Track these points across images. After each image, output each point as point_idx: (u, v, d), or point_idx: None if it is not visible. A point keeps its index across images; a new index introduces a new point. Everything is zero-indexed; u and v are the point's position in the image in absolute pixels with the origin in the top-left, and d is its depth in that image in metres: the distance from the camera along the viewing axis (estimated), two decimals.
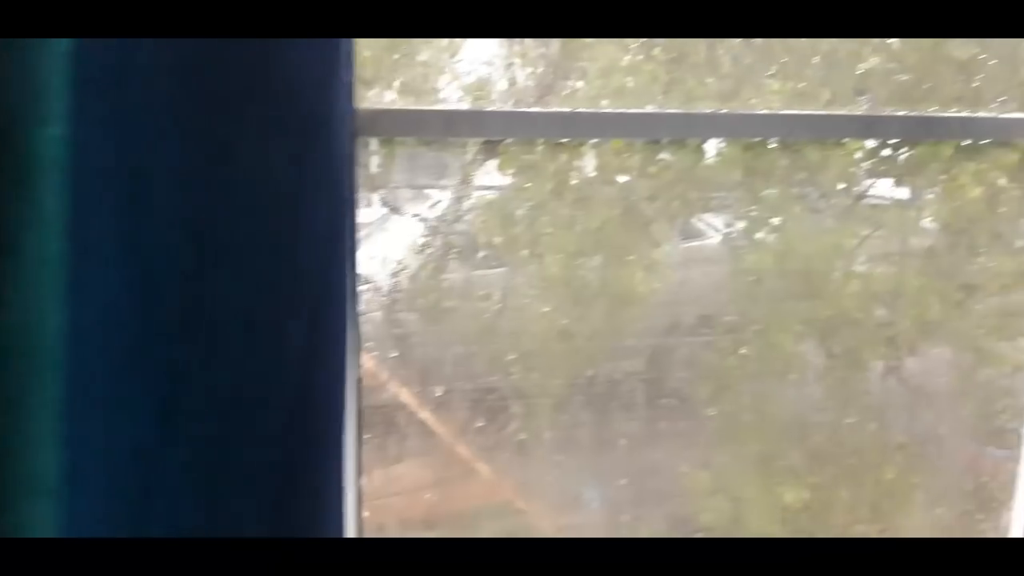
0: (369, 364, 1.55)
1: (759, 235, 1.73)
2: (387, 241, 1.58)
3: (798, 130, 1.60)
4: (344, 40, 1.06)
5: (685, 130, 1.57)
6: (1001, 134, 1.68)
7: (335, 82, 1.03)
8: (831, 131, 1.63)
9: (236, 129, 0.99)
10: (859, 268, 1.80)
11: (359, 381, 1.33)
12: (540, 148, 1.58)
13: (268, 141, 1.01)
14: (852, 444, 1.87)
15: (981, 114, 1.69)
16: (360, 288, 1.41)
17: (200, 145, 0.99)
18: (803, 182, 1.72)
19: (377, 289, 1.57)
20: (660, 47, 1.61)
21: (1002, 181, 1.78)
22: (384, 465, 1.59)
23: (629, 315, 1.66)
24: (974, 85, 1.72)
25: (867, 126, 1.63)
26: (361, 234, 1.58)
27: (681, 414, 1.76)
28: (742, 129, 1.58)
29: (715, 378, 1.76)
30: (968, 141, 1.68)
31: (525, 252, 1.63)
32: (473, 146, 1.57)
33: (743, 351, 1.76)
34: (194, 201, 0.99)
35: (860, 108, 1.69)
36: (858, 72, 1.69)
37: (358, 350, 1.34)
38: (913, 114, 1.66)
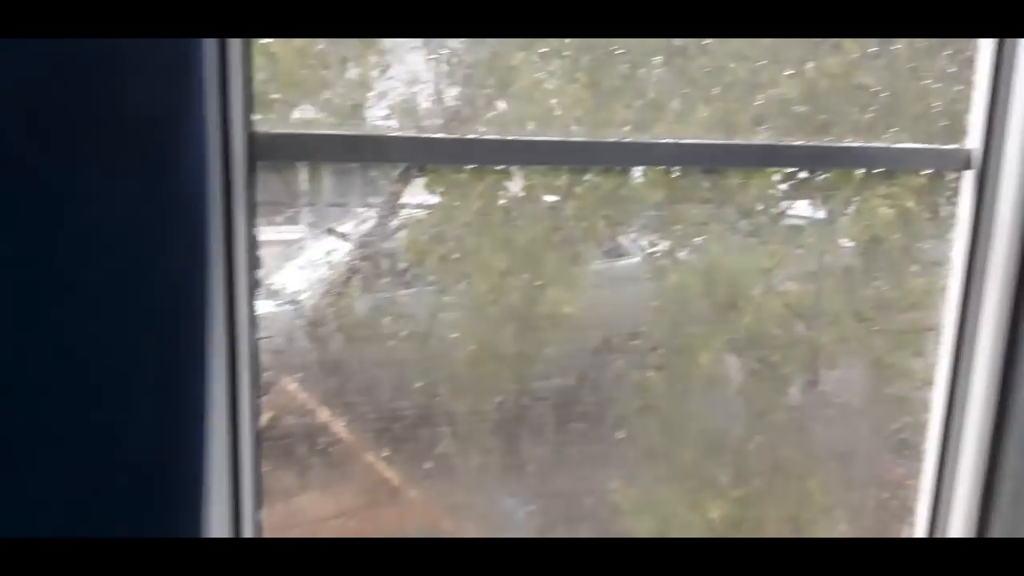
0: (288, 388, 1.52)
1: (682, 254, 1.77)
2: (310, 261, 1.55)
3: (710, 159, 1.67)
4: (207, 64, 1.05)
5: (602, 158, 1.61)
6: (896, 163, 1.78)
7: (190, 116, 0.97)
8: (745, 160, 1.70)
9: (72, 165, 0.91)
10: (778, 286, 1.85)
11: (257, 409, 1.31)
12: (468, 167, 1.58)
13: (110, 176, 0.93)
14: (774, 459, 1.91)
15: (877, 144, 1.79)
16: (262, 313, 1.39)
17: (33, 182, 0.90)
18: (724, 202, 1.76)
19: (299, 310, 1.54)
20: (583, 71, 1.63)
21: (910, 203, 1.86)
22: (301, 492, 1.55)
23: (555, 334, 1.67)
24: (868, 116, 1.80)
25: (773, 155, 1.71)
26: (285, 253, 1.55)
27: (606, 433, 1.77)
28: (662, 158, 1.63)
29: (639, 396, 1.78)
30: (862, 171, 1.78)
31: (452, 271, 1.62)
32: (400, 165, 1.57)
33: (667, 369, 1.79)
34: (30, 241, 0.91)
35: (760, 136, 1.75)
36: (758, 103, 1.76)
37: (257, 377, 1.31)
38: (816, 144, 1.74)
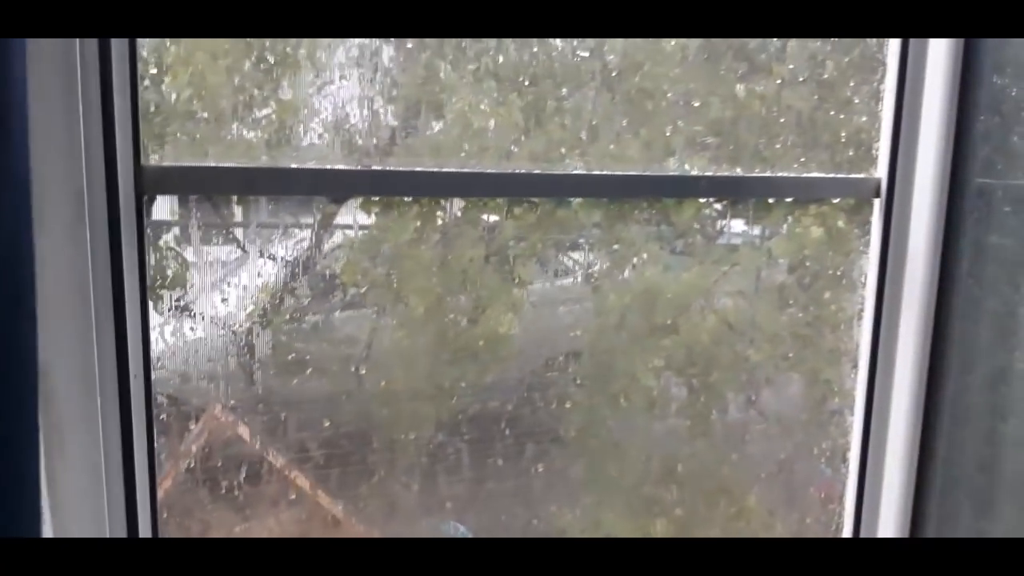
0: (217, 415, 1.47)
1: (621, 274, 1.78)
2: (243, 283, 1.52)
3: (634, 189, 1.70)
4: (90, 95, 1.04)
5: (529, 190, 1.62)
6: (808, 192, 1.85)
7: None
8: (666, 190, 1.73)
9: None
10: (715, 305, 1.87)
11: (152, 446, 1.27)
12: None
13: None
14: (715, 475, 1.93)
15: (790, 174, 1.85)
16: (192, 339, 1.35)
17: None
18: (661, 222, 1.78)
19: (229, 334, 1.50)
20: (518, 92, 1.64)
21: (840, 223, 1.91)
22: (234, 520, 1.51)
23: (494, 356, 1.66)
24: (783, 146, 1.86)
25: (693, 186, 1.75)
26: (216, 276, 1.51)
27: (548, 452, 1.76)
28: (595, 189, 1.66)
29: (581, 415, 1.78)
30: (773, 200, 1.85)
31: (388, 293, 1.60)
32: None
33: (605, 389, 1.79)
34: None
35: (689, 158, 1.79)
36: (695, 127, 1.80)
37: (150, 404, 1.27)
38: (732, 175, 1.79)
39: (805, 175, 1.85)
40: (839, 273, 1.94)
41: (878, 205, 1.85)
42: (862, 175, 1.87)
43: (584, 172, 1.66)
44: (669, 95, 1.73)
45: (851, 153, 1.89)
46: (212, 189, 1.39)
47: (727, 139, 1.80)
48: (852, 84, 1.88)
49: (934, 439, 1.82)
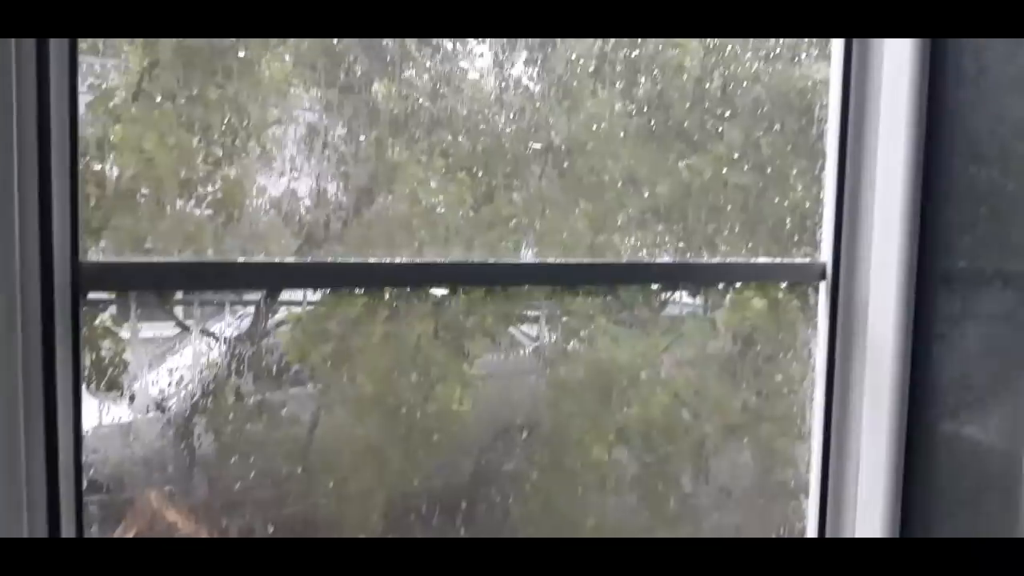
0: (152, 501, 1.41)
1: (569, 346, 1.79)
2: (182, 363, 1.47)
3: (582, 278, 1.72)
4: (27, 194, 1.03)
5: (474, 279, 1.62)
6: (754, 277, 1.90)
7: None
8: (614, 277, 1.76)
9: None
10: (663, 376, 1.89)
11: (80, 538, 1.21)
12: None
13: None
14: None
15: (736, 260, 1.89)
16: (127, 421, 1.31)
17: None
18: (607, 294, 1.81)
19: (168, 416, 1.45)
20: (466, 171, 1.67)
21: (780, 294, 1.96)
22: None
23: (445, 432, 1.63)
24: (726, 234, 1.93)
25: (641, 272, 1.79)
26: (155, 355, 1.46)
27: (499, 529, 1.72)
28: (546, 277, 1.68)
29: (534, 490, 1.75)
30: (722, 285, 1.89)
31: (335, 370, 1.58)
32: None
33: (559, 461, 1.77)
34: None
35: (635, 235, 1.84)
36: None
37: (80, 498, 1.21)
38: (679, 261, 1.83)
39: (751, 260, 1.89)
40: (784, 344, 1.99)
41: (824, 287, 1.87)
42: (806, 259, 1.92)
43: (535, 261, 1.67)
44: (611, 176, 1.78)
45: (795, 237, 1.95)
46: (153, 285, 1.36)
47: (671, 218, 1.86)
48: (793, 169, 1.96)
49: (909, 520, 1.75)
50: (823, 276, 1.84)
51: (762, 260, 1.86)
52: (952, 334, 1.70)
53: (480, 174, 1.68)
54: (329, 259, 1.52)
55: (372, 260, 1.51)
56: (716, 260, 1.81)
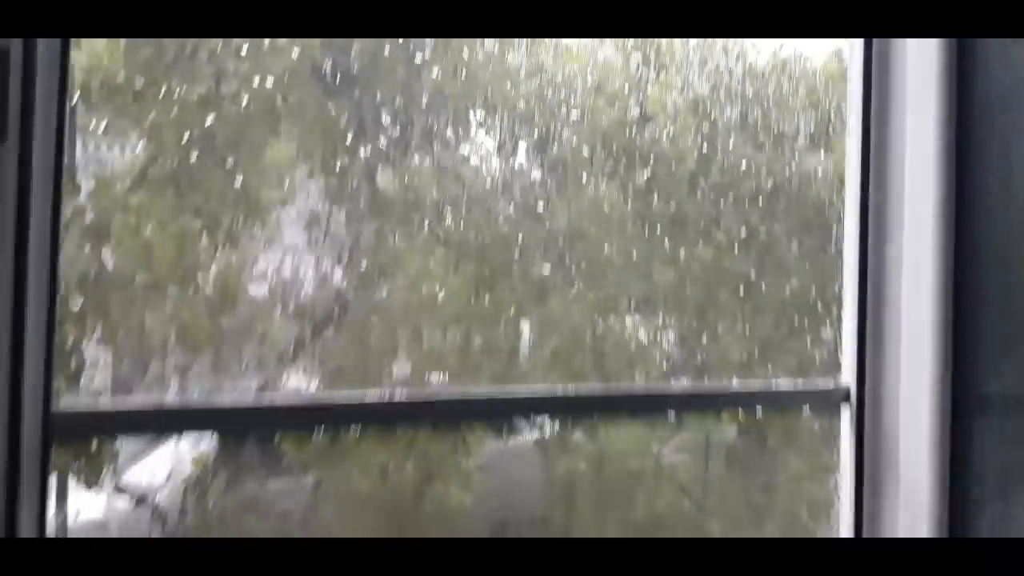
0: None
1: (574, 436, 1.74)
2: (170, 458, 1.42)
3: (590, 410, 1.64)
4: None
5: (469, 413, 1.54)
6: (774, 403, 1.76)
7: None
8: (626, 407, 1.68)
9: None
10: (668, 467, 1.84)
11: None
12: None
13: None
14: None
15: (755, 386, 1.79)
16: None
17: None
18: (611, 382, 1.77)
19: (154, 513, 1.39)
20: (467, 259, 1.66)
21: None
22: None
23: (443, 531, 1.57)
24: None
25: (655, 402, 1.69)
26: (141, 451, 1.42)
27: None
28: (559, 408, 1.61)
29: None
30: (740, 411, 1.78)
31: (331, 462, 1.52)
32: None
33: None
34: None
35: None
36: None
37: None
38: (695, 389, 1.77)
39: (769, 387, 1.76)
40: (792, 436, 1.94)
41: (847, 411, 1.66)
42: (830, 385, 1.73)
43: (543, 395, 1.61)
44: (612, 262, 1.78)
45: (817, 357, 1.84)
46: (129, 431, 1.31)
47: (673, 306, 1.84)
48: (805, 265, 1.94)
49: None
50: (846, 399, 1.59)
51: (781, 384, 1.77)
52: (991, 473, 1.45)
53: (480, 262, 1.67)
54: (318, 397, 1.47)
55: (374, 400, 1.45)
56: (732, 386, 1.74)
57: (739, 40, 2.30)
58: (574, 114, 1.92)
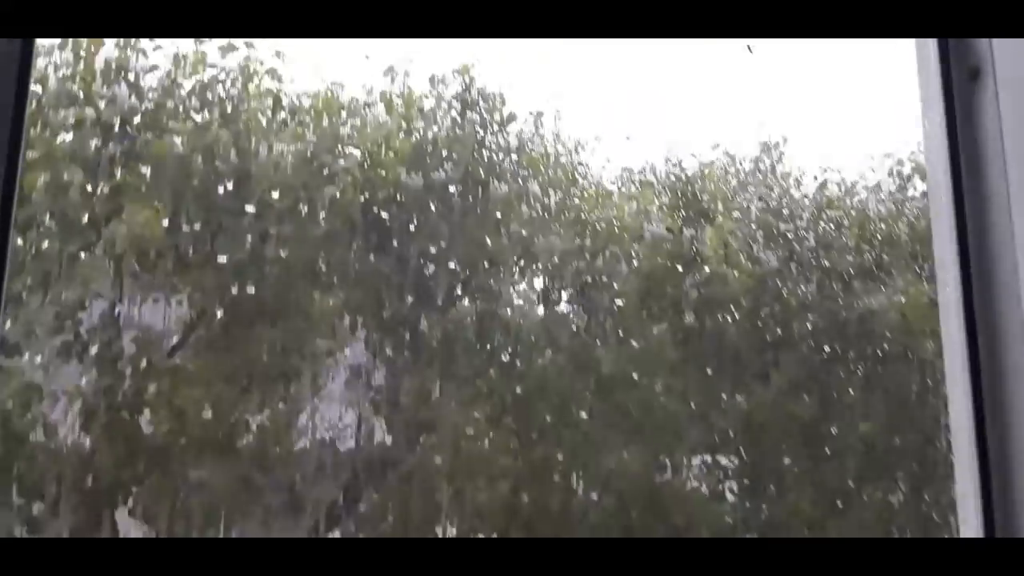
0: None
1: None
2: None
3: None
4: None
5: None
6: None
7: None
8: None
9: None
10: None
11: None
12: None
13: None
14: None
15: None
16: None
17: None
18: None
19: None
20: (510, 414, 1.60)
21: None
22: None
23: None
24: None
25: None
26: None
27: None
28: None
29: None
30: None
31: None
32: None
33: None
34: None
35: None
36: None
37: None
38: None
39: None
40: None
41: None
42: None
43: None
44: (664, 410, 1.68)
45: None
46: None
47: (735, 455, 1.73)
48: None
49: None
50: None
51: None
52: None
53: (525, 415, 1.60)
54: None
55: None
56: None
57: (784, 176, 2.29)
58: (618, 259, 1.88)
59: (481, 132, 1.85)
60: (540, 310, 1.86)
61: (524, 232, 1.78)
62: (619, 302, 1.86)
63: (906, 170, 2.37)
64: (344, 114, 1.74)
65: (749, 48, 2.38)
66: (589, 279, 1.84)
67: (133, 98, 1.49)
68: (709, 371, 1.85)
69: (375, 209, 1.69)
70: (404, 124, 1.75)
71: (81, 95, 1.47)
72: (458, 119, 1.84)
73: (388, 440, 1.63)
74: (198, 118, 1.57)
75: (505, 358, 1.67)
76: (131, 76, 1.54)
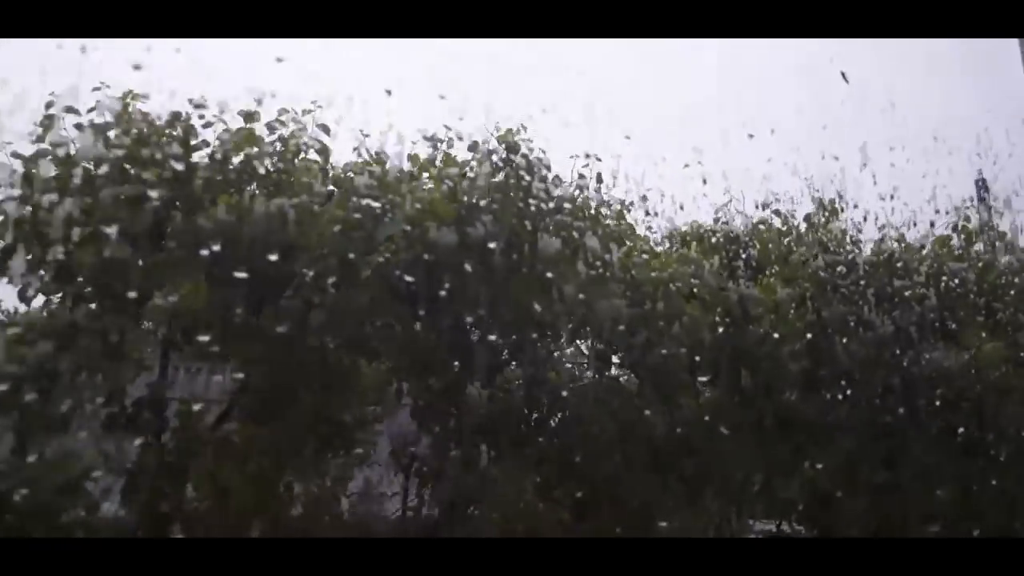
0: None
1: None
2: None
3: None
4: None
5: None
6: None
7: None
8: None
9: None
10: None
11: None
12: None
13: None
14: None
15: None
16: None
17: None
18: None
19: None
20: (560, 485, 1.53)
21: None
22: None
23: None
24: None
25: None
26: None
27: None
28: None
29: None
30: None
31: None
32: None
33: None
34: None
35: None
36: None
37: None
38: None
39: None
40: None
41: None
42: None
43: None
44: (723, 476, 1.59)
45: None
46: None
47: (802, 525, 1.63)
48: None
49: None
50: None
51: None
52: None
53: (577, 485, 1.53)
54: None
55: None
56: None
57: (842, 238, 2.22)
58: (667, 320, 1.82)
59: (524, 197, 1.83)
60: (590, 374, 1.81)
61: (573, 295, 1.73)
62: (670, 363, 1.79)
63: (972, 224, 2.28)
64: (389, 182, 1.74)
65: (844, 76, 2.36)
66: (641, 340, 1.77)
67: (182, 167, 1.52)
68: (769, 434, 1.77)
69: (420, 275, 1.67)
70: (448, 190, 1.74)
71: (132, 171, 1.51)
72: (503, 183, 1.82)
73: (436, 514, 1.58)
74: (245, 191, 1.59)
75: (556, 425, 1.62)
76: (179, 150, 1.57)
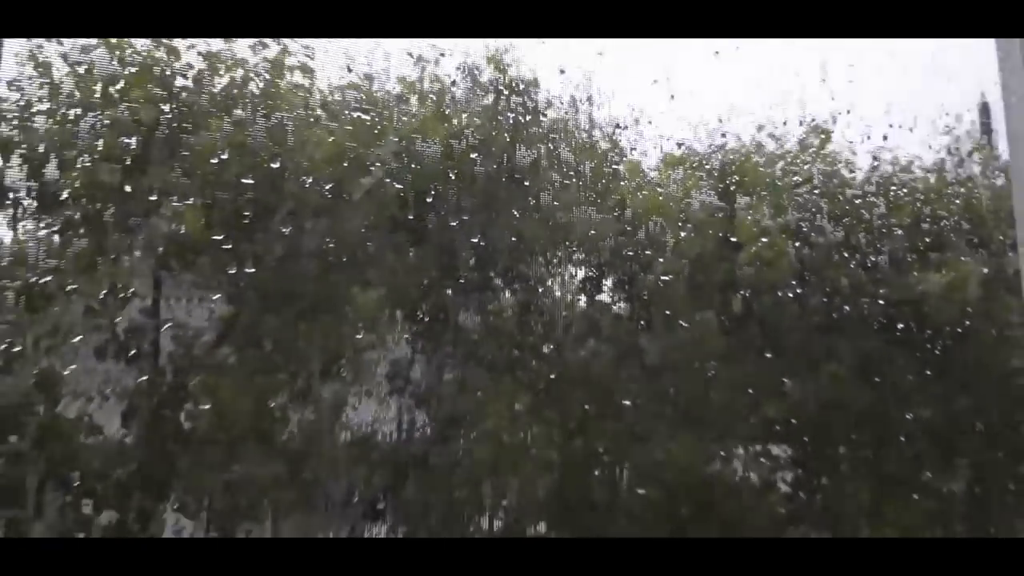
0: None
1: None
2: None
3: None
4: None
5: None
6: None
7: None
8: None
9: None
10: None
11: None
12: None
13: None
14: None
15: None
16: None
17: None
18: None
19: None
20: (553, 404, 1.56)
21: None
22: None
23: None
24: None
25: None
26: None
27: None
28: None
29: None
30: None
31: None
32: None
33: None
34: None
35: None
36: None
37: None
38: None
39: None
40: None
41: None
42: None
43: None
44: (712, 399, 1.61)
45: None
46: None
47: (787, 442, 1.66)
48: None
49: None
50: None
51: None
52: None
53: (569, 405, 1.56)
54: None
55: None
56: None
57: (834, 159, 2.19)
58: (659, 244, 1.82)
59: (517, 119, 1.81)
60: (583, 299, 1.82)
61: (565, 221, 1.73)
62: (661, 289, 1.80)
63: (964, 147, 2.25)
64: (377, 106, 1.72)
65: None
66: (631, 265, 1.78)
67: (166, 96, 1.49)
68: (758, 358, 1.79)
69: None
70: (437, 111, 1.72)
71: (116, 95, 1.47)
72: (492, 107, 1.80)
73: (428, 432, 1.61)
74: (231, 115, 1.57)
75: (547, 350, 1.63)
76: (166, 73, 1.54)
